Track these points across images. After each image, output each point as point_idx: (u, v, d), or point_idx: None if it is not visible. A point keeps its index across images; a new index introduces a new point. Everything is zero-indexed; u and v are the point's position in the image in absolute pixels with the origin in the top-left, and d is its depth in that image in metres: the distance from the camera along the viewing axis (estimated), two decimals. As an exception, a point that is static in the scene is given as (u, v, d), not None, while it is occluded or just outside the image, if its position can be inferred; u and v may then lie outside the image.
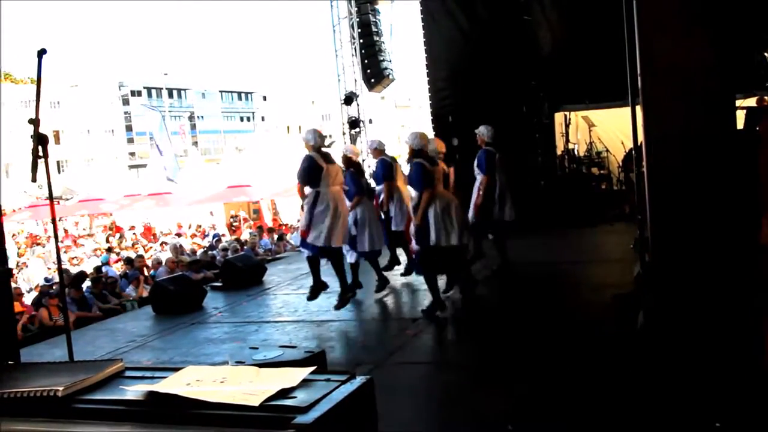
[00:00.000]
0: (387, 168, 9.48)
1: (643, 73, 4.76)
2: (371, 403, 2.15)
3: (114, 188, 29.84)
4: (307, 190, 8.14)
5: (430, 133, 13.84)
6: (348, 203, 8.74)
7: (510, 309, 8.21)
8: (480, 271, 9.62)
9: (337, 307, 8.46)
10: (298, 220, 23.75)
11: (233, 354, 6.74)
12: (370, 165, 15.53)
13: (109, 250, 20.59)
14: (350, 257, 9.15)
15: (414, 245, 7.97)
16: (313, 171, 7.99)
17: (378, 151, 9.82)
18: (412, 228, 7.96)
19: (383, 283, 9.42)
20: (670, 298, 4.90)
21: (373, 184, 10.43)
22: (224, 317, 9.22)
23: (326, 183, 8.01)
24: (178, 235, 23.60)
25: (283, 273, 12.19)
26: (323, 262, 8.54)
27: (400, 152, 26.74)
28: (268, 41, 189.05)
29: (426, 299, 8.31)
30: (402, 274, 10.07)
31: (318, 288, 8.55)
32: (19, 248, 23.10)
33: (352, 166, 9.25)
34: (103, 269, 14.59)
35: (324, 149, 8.23)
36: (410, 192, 8.10)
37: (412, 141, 7.98)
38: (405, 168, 8.84)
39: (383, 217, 9.49)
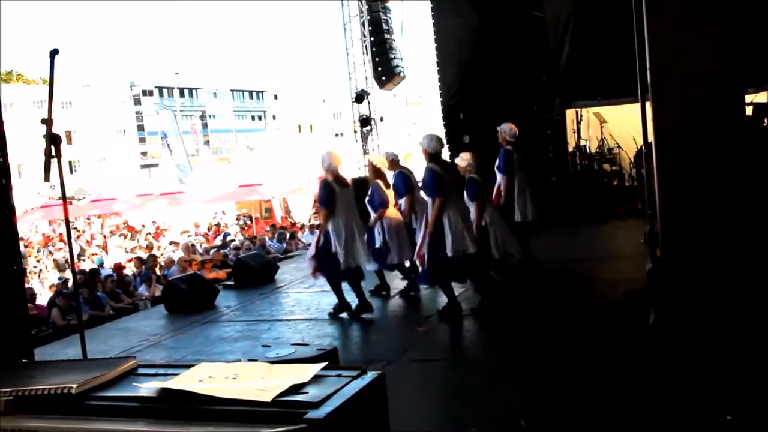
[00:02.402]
0: (406, 181, 8.99)
1: (652, 68, 4.75)
2: (383, 398, 2.16)
3: (126, 188, 29.87)
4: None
5: (441, 131, 13.81)
6: (373, 216, 8.78)
7: (522, 306, 8.18)
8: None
9: (353, 316, 8.27)
10: (310, 219, 23.79)
11: (246, 352, 6.76)
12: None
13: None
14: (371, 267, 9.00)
15: (421, 252, 7.80)
16: (329, 196, 7.98)
17: (393, 162, 9.23)
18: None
19: (379, 290, 9.37)
20: (681, 292, 4.89)
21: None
22: (237, 316, 9.24)
23: (339, 206, 7.99)
24: (196, 234, 23.64)
25: (295, 271, 12.18)
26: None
27: (410, 150, 26.66)
28: (279, 40, 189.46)
29: (439, 297, 8.32)
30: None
31: (363, 307, 8.27)
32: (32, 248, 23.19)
33: (379, 176, 8.98)
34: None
35: (340, 171, 8.19)
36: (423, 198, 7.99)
37: (428, 144, 7.68)
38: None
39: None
